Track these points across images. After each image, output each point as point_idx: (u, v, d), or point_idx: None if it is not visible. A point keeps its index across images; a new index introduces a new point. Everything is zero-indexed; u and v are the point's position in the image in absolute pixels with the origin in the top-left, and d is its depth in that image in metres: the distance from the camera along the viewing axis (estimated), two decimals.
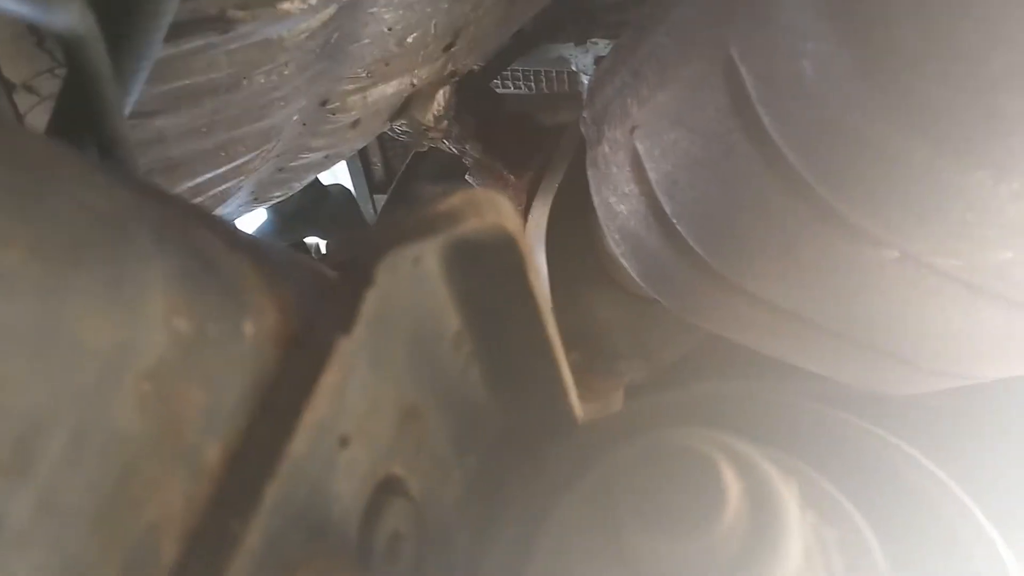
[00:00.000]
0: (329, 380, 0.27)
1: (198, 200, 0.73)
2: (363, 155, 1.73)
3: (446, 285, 0.35)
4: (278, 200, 0.96)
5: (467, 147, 1.23)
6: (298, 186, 0.89)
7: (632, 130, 0.67)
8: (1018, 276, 0.52)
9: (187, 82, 0.55)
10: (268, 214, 1.57)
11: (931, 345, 0.64)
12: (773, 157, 0.52)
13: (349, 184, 1.76)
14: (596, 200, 0.77)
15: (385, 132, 1.17)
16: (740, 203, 0.57)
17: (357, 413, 0.30)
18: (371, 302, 0.29)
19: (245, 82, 0.58)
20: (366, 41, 0.65)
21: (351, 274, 0.30)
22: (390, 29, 0.65)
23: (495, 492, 0.40)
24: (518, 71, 1.50)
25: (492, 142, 1.23)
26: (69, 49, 0.33)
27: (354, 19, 0.60)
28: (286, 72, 0.60)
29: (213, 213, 0.30)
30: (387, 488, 0.32)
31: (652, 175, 0.65)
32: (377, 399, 0.31)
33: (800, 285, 0.61)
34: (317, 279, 0.30)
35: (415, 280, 0.32)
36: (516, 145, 1.22)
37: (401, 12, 0.64)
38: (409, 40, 0.69)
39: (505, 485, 0.41)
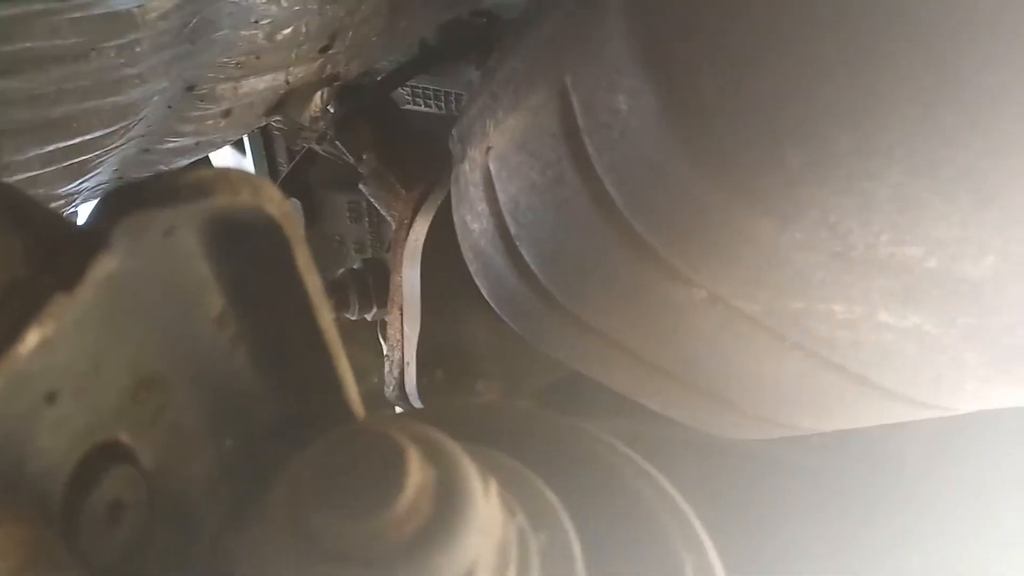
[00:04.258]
0: (36, 334, 0.27)
1: (51, 169, 0.72)
2: (270, 157, 1.72)
3: (207, 263, 0.35)
4: None
5: (364, 156, 1.24)
6: (166, 169, 0.88)
7: (487, 150, 0.68)
8: (812, 327, 0.54)
9: (29, 45, 0.55)
10: None
11: (747, 390, 0.66)
12: (595, 187, 0.54)
13: None
14: (455, 217, 0.78)
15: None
16: (569, 230, 0.59)
17: (74, 372, 0.30)
18: (103, 265, 0.29)
19: (94, 53, 0.58)
20: (229, 31, 0.65)
21: (89, 234, 0.30)
22: (256, 22, 0.66)
23: (258, 480, 0.40)
24: (430, 90, 1.51)
25: (389, 154, 1.23)
26: None
27: (214, 7, 0.61)
28: (138, 50, 0.59)
29: None
30: (108, 453, 0.32)
31: (500, 196, 0.67)
32: (103, 362, 0.31)
33: (623, 317, 0.63)
34: (56, 233, 0.31)
35: (167, 252, 0.33)
36: (412, 160, 1.23)
37: (268, 5, 0.65)
38: (279, 37, 0.69)
39: (272, 475, 0.41)
